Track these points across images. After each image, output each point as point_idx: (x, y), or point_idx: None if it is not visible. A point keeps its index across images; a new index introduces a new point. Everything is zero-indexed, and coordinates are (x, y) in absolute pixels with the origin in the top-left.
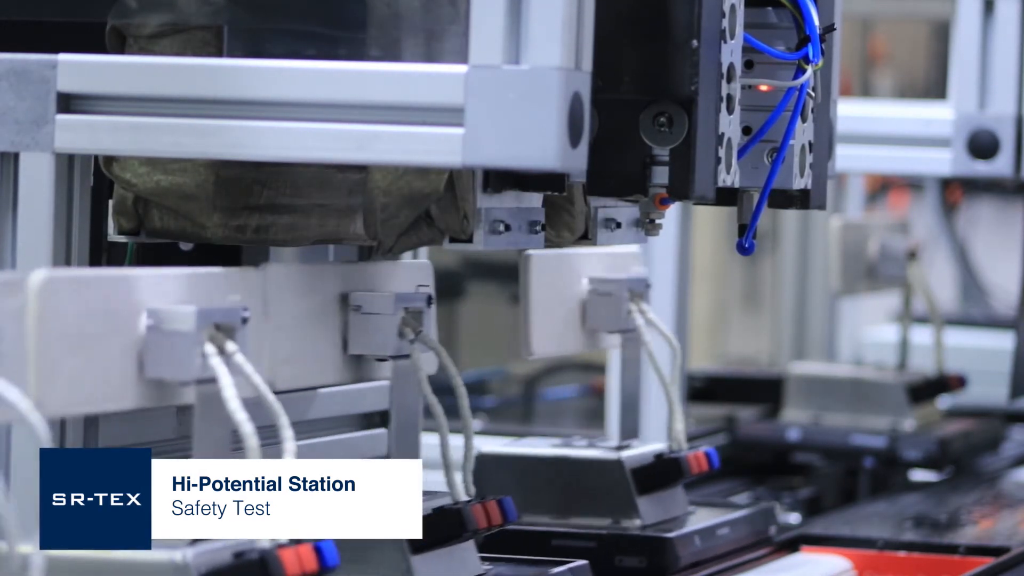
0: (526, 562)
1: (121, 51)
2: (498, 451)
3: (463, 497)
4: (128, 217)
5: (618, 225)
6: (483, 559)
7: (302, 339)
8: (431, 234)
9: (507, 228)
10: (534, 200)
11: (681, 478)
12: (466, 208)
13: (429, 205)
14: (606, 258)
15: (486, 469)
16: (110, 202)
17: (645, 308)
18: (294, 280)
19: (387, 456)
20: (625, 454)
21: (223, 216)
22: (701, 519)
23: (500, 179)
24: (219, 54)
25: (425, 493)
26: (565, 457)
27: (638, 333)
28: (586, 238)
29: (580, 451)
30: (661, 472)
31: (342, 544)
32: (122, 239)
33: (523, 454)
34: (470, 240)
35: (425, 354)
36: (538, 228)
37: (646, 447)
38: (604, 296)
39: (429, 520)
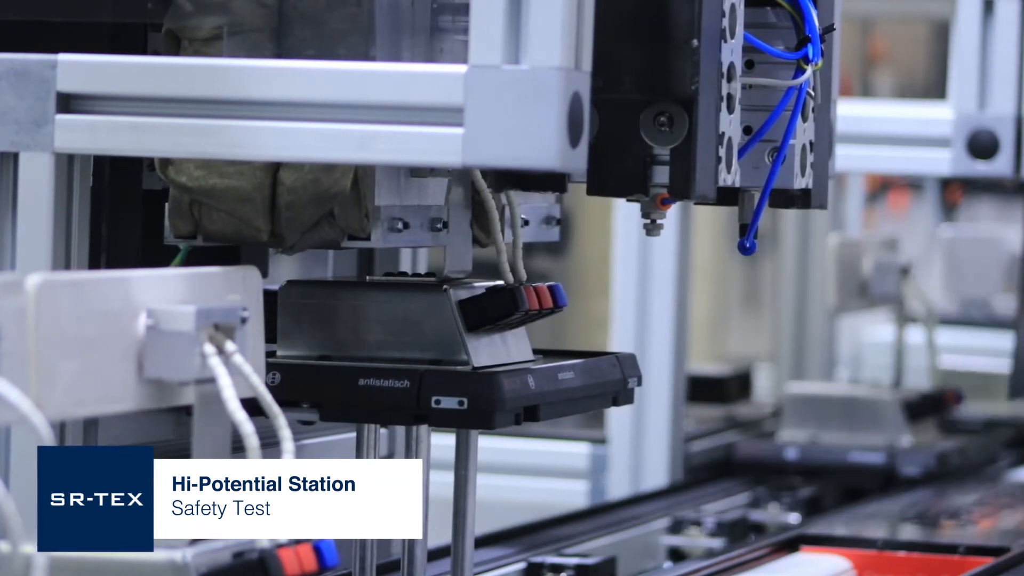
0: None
1: (176, 54)
2: (803, 392)
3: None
4: (185, 220)
5: (526, 223)
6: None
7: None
8: (332, 233)
9: (406, 226)
10: (436, 198)
11: (940, 410)
12: (368, 206)
13: (335, 204)
14: (882, 244)
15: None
16: (166, 205)
17: (909, 281)
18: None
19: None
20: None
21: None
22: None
23: (500, 179)
24: (275, 55)
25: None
26: (853, 397)
27: (901, 299)
28: None
29: (864, 391)
30: (922, 405)
31: (401, 320)
32: (178, 243)
33: (826, 394)
34: (369, 238)
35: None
36: (439, 226)
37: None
38: (882, 272)
39: (483, 299)
